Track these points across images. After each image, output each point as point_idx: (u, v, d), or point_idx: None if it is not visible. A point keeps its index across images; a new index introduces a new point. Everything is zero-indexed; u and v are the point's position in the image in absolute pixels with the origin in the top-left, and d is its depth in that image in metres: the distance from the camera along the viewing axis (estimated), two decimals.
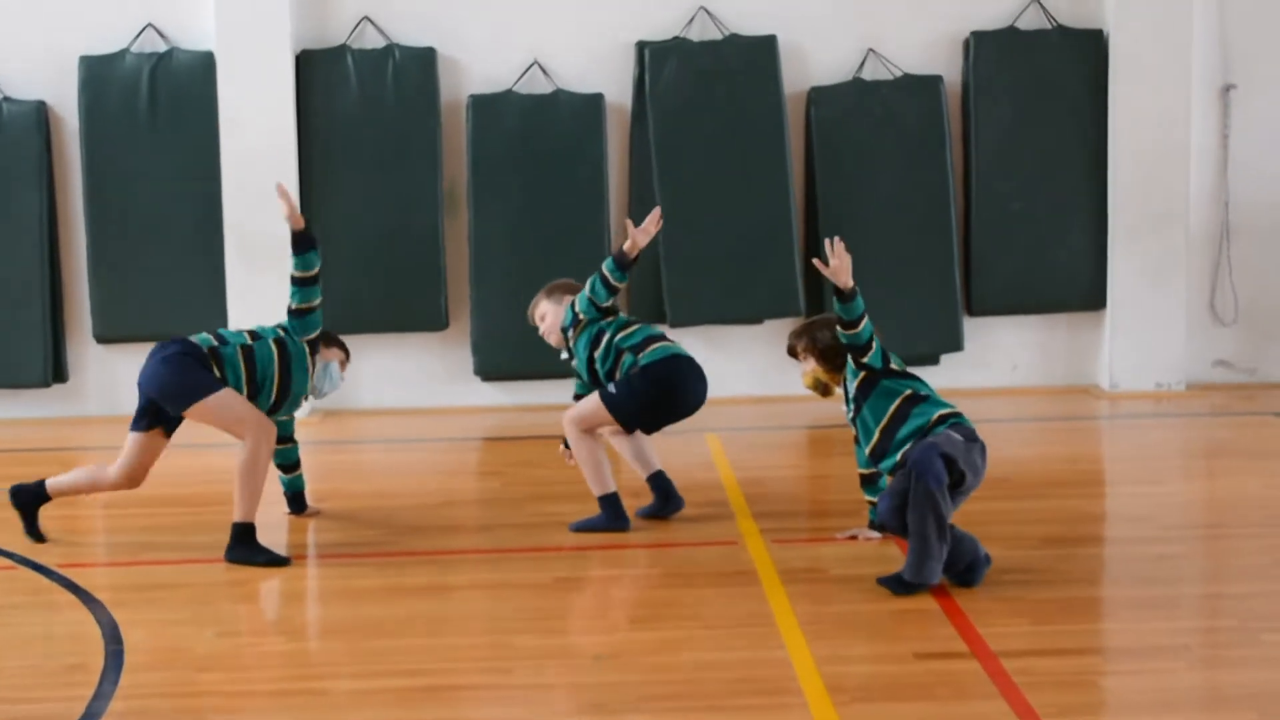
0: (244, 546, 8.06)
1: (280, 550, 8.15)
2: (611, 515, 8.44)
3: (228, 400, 8.06)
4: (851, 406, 7.48)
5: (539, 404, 11.79)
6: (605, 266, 8.32)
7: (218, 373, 8.11)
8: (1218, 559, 8.04)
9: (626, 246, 8.29)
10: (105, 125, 11.50)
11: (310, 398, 8.55)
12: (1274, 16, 11.91)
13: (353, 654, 6.72)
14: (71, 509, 9.64)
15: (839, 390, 7.65)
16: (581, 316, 8.42)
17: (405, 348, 11.85)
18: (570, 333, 8.50)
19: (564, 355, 8.63)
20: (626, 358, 8.39)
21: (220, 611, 7.39)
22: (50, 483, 8.54)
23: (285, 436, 8.65)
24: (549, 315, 8.60)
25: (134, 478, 8.37)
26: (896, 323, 11.66)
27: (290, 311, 8.37)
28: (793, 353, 7.81)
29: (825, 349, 7.65)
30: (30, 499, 8.54)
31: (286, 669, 6.72)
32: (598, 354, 8.40)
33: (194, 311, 11.49)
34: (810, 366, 7.72)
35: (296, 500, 8.88)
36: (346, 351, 8.71)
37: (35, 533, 8.52)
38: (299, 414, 9.12)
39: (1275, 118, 11.96)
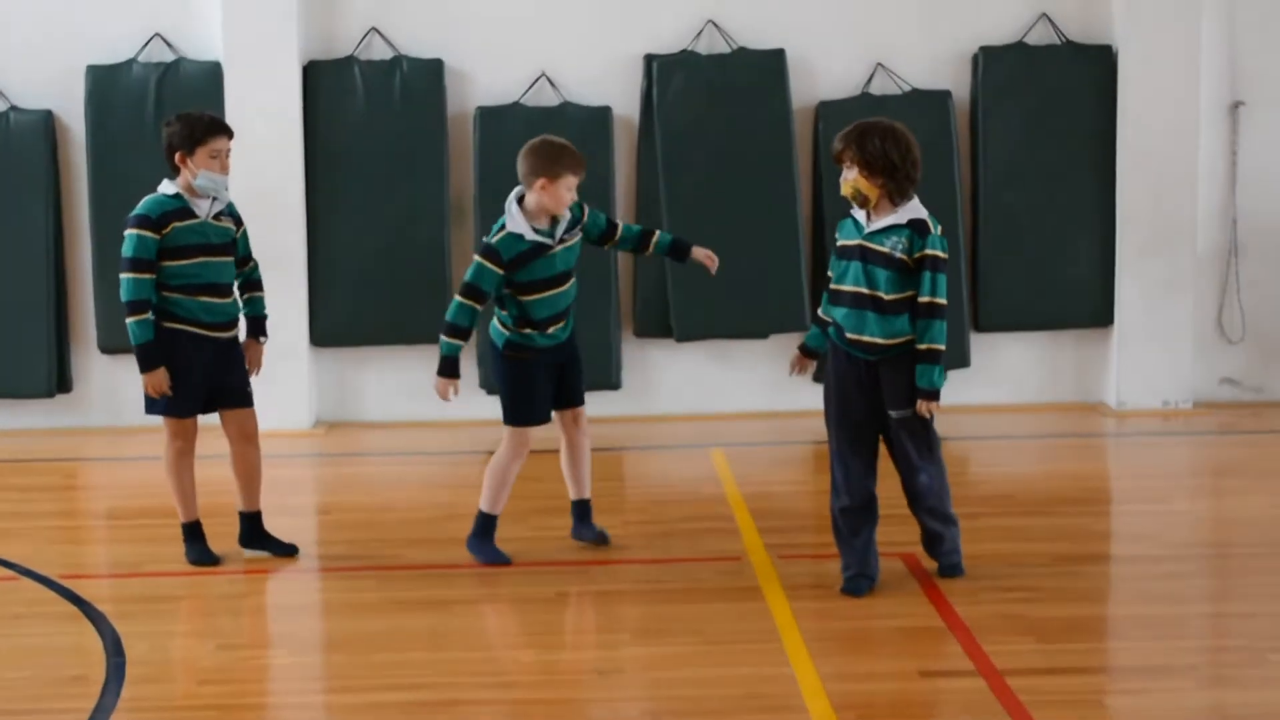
0: (188, 545, 8.21)
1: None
2: None
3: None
4: (877, 255, 7.26)
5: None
6: (659, 240, 8.30)
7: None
8: (1225, 578, 8.01)
9: (696, 252, 8.24)
10: (112, 135, 11.49)
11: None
12: None
13: (355, 667, 6.70)
14: (73, 520, 9.65)
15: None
16: (588, 228, 8.14)
17: (410, 360, 11.81)
18: (571, 225, 8.04)
19: (550, 235, 7.99)
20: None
21: (223, 624, 7.38)
22: (244, 507, 8.35)
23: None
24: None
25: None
26: None
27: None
28: (837, 158, 7.36)
29: (871, 159, 7.25)
30: (254, 531, 8.31)
31: (289, 682, 6.71)
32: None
33: None
34: (853, 175, 7.30)
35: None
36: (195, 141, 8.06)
37: (284, 545, 8.37)
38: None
39: None
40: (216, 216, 8.13)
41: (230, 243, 8.17)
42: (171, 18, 11.62)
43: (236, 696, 6.48)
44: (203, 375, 8.11)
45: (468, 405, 11.84)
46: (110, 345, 11.57)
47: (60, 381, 11.65)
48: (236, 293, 8.25)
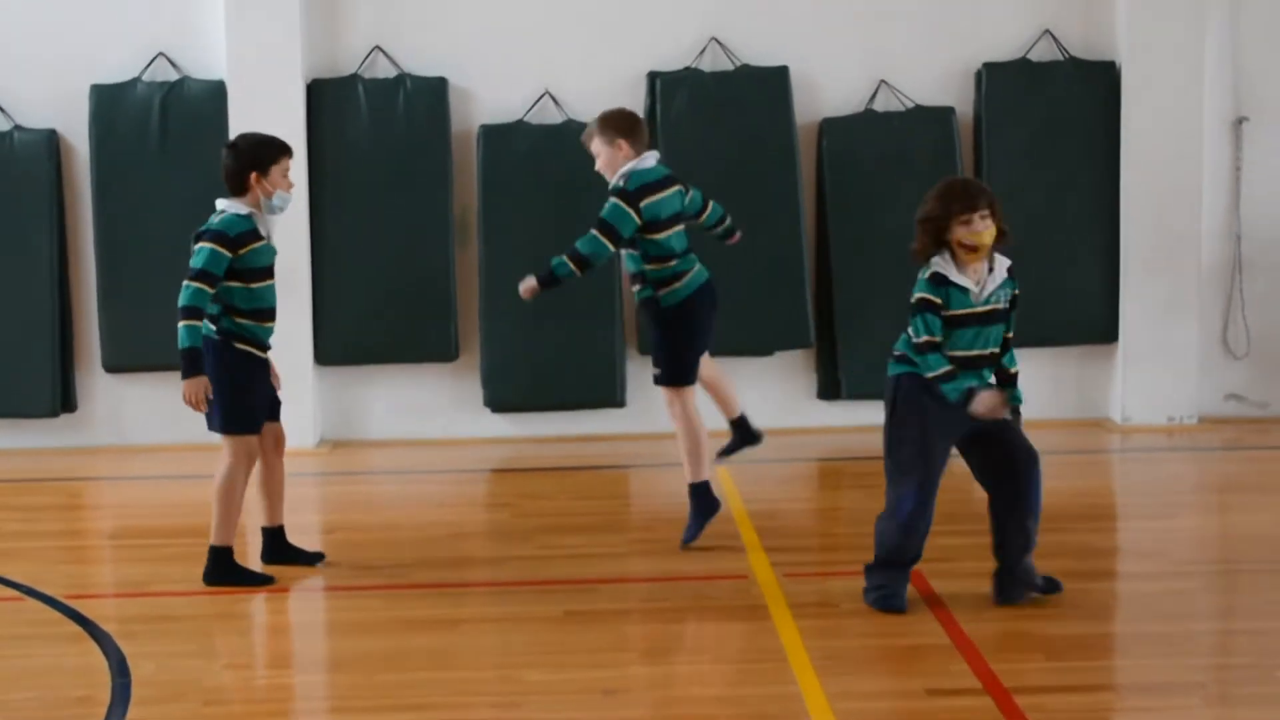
0: (222, 569, 8.08)
1: (295, 578, 8.12)
2: (705, 503, 8.70)
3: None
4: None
5: (549, 435, 11.76)
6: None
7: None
8: (1231, 595, 7.99)
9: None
10: (116, 154, 11.49)
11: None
12: None
13: (362, 687, 6.68)
14: (78, 539, 9.64)
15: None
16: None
17: (415, 378, 11.82)
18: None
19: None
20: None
21: (229, 644, 7.37)
22: (271, 522, 8.41)
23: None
24: (602, 156, 8.58)
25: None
26: None
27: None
28: (987, 206, 7.52)
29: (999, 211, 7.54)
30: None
31: (295, 702, 6.70)
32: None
33: None
34: (990, 225, 7.47)
35: None
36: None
37: (310, 554, 8.44)
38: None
39: None
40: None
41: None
42: (176, 37, 11.63)
43: (242, 717, 6.48)
44: (262, 393, 8.30)
45: (472, 424, 11.87)
46: (114, 364, 11.57)
47: (65, 401, 11.64)
48: None
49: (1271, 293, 11.95)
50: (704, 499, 8.73)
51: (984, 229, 7.39)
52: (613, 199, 8.39)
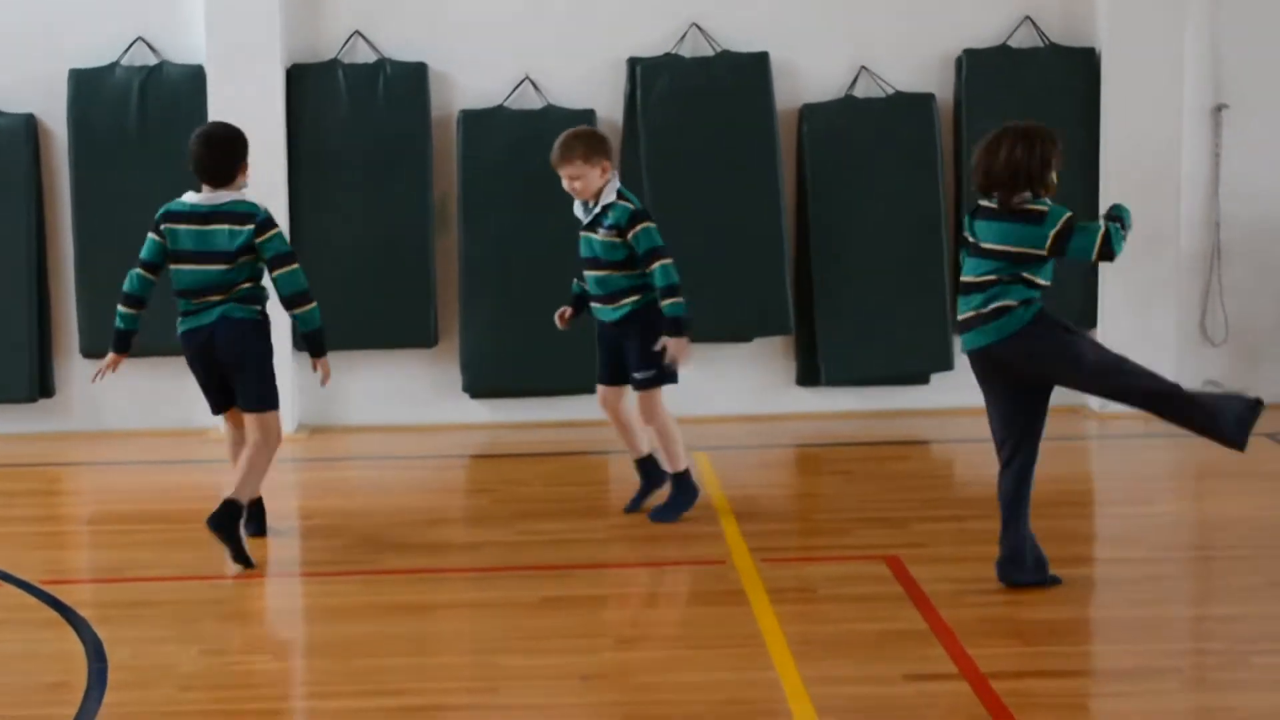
0: (228, 522, 8.14)
1: (272, 564, 8.13)
2: (687, 491, 8.93)
3: None
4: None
5: (528, 421, 11.75)
6: (664, 309, 8.61)
7: None
8: (1207, 580, 8.02)
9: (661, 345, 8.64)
10: (95, 139, 11.46)
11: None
12: (1266, 37, 11.90)
13: (338, 673, 6.68)
14: (55, 525, 9.64)
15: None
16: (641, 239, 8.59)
17: (394, 364, 11.81)
18: (607, 224, 8.61)
19: (585, 214, 8.72)
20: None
21: (205, 629, 7.35)
22: (233, 493, 8.30)
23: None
24: (584, 178, 8.64)
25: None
26: (887, 341, 11.66)
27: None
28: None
29: None
30: (228, 520, 8.18)
31: (271, 688, 6.70)
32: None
33: None
34: None
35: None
36: None
37: (244, 557, 8.23)
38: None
39: (1266, 138, 11.94)
40: None
41: None
42: (155, 21, 11.59)
43: (219, 702, 6.47)
44: None
45: (451, 410, 11.86)
46: (92, 350, 11.52)
47: (43, 386, 11.61)
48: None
49: (1249, 280, 11.97)
50: (688, 485, 8.89)
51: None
52: (644, 224, 8.58)
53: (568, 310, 8.99)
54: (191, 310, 8.31)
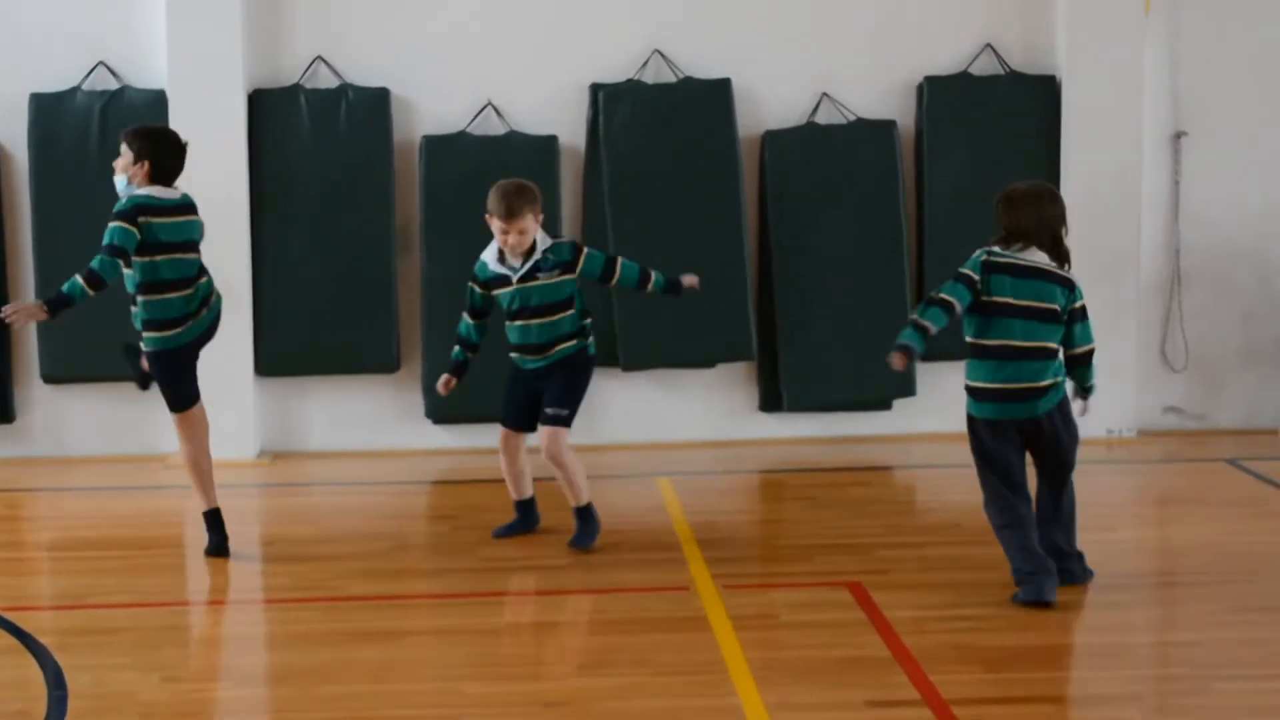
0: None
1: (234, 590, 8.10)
2: (595, 521, 9.01)
3: None
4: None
5: (490, 447, 11.63)
6: (655, 281, 8.98)
7: None
8: (1169, 606, 8.05)
9: (687, 281, 8.99)
10: (55, 163, 11.42)
11: None
12: (1223, 63, 11.98)
13: (300, 700, 6.66)
14: (15, 551, 9.58)
15: None
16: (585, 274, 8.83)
17: (356, 390, 11.78)
18: (549, 266, 8.78)
19: (514, 270, 8.82)
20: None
21: (166, 656, 7.32)
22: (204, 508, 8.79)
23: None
24: (530, 230, 8.72)
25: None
26: (850, 366, 11.67)
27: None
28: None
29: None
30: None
31: (234, 716, 6.68)
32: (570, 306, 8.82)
33: None
34: None
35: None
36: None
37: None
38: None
39: (1225, 165, 12.01)
40: None
41: None
42: (116, 46, 11.57)
43: None
44: None
45: (414, 435, 11.84)
46: (53, 375, 11.48)
47: (2, 412, 11.55)
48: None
49: (1209, 306, 12.03)
50: (591, 518, 8.98)
51: None
52: (586, 248, 8.96)
53: (453, 380, 9.15)
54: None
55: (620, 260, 8.98)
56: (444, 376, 9.14)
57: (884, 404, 11.91)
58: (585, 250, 8.87)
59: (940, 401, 11.86)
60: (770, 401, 11.90)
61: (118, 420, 11.64)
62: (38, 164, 11.42)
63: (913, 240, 11.87)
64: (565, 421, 8.82)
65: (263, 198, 11.54)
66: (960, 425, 11.81)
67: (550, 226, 11.38)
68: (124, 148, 8.69)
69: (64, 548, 9.54)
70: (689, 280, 9.06)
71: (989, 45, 11.85)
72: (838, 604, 7.78)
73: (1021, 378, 7.74)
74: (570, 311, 8.81)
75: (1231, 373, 12.11)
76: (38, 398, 11.67)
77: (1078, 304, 7.93)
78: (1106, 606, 7.75)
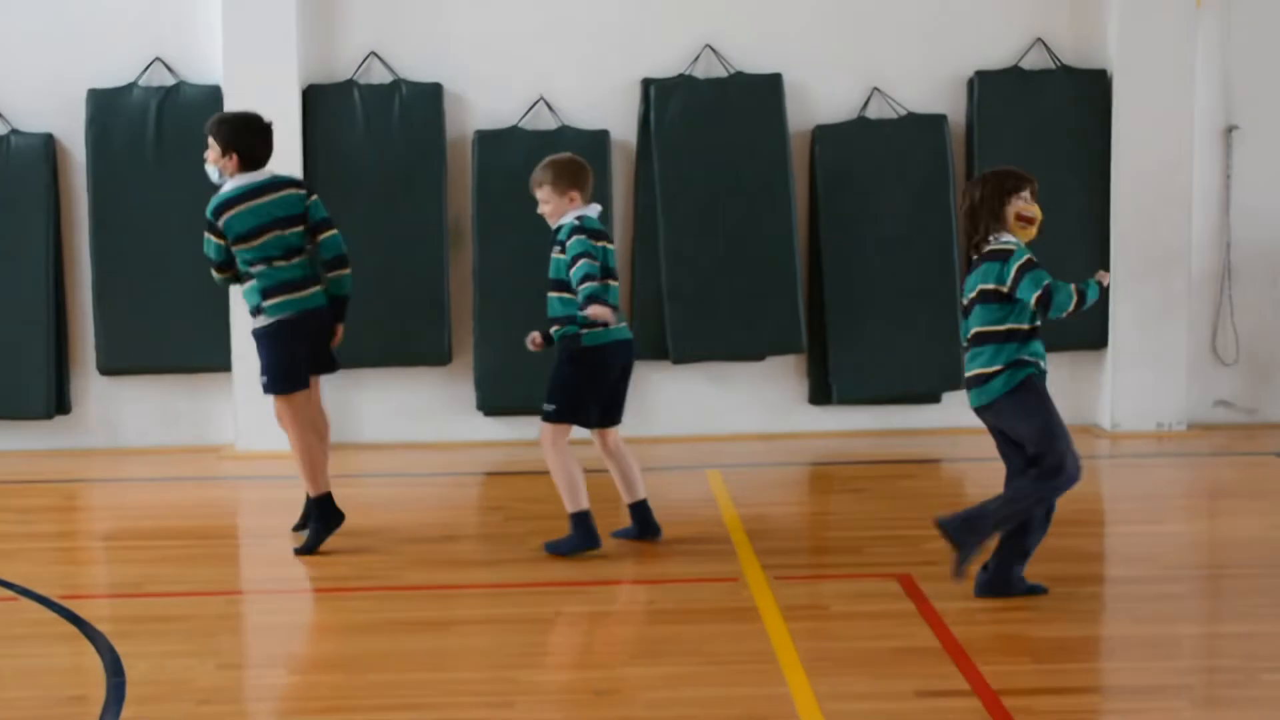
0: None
1: (288, 580, 8.18)
2: (584, 534, 8.60)
3: None
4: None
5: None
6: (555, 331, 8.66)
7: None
8: (1219, 599, 8.04)
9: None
10: (112, 158, 11.54)
11: None
12: (1275, 57, 11.96)
13: (355, 687, 6.72)
14: (72, 541, 9.68)
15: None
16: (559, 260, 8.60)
17: (408, 382, 11.87)
18: (555, 241, 8.66)
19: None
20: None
21: (222, 644, 7.40)
22: (313, 493, 8.86)
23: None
24: (551, 204, 8.67)
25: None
26: (899, 360, 11.70)
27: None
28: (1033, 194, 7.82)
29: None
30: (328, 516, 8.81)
31: (288, 702, 6.73)
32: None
33: (198, 344, 11.54)
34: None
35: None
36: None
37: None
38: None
39: (1277, 159, 11.99)
40: None
41: None
42: (172, 42, 11.68)
43: (236, 716, 6.51)
44: None
45: (465, 427, 11.91)
46: (109, 367, 11.61)
47: (60, 403, 11.68)
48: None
49: (1260, 300, 12.01)
50: (579, 528, 8.66)
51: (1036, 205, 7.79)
52: (578, 235, 8.54)
53: (538, 336, 8.84)
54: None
55: (586, 281, 8.38)
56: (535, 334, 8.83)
57: (933, 397, 11.94)
58: (573, 239, 8.51)
59: None
60: (820, 394, 11.93)
61: (173, 411, 11.76)
62: (95, 159, 11.54)
63: (962, 234, 11.87)
64: (549, 416, 8.62)
65: (317, 192, 11.59)
66: None
67: (602, 220, 11.46)
68: (210, 140, 8.75)
69: (120, 537, 9.64)
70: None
71: (1040, 39, 11.85)
72: (887, 595, 7.81)
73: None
74: (563, 294, 8.58)
75: None
76: (94, 389, 11.80)
77: (1019, 264, 7.65)
78: (1155, 599, 7.75)
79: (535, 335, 8.81)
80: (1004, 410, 7.76)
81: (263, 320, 8.66)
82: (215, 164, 8.74)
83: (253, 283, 8.68)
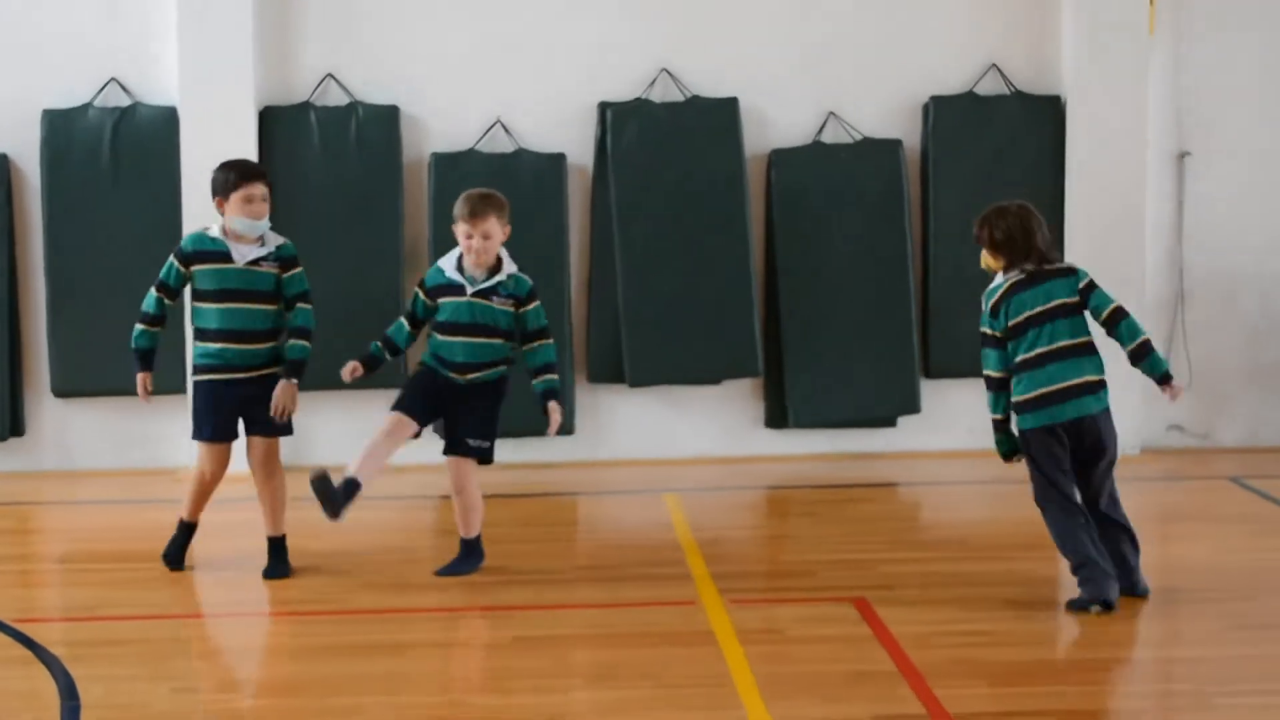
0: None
1: (243, 603, 8.15)
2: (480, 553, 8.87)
3: None
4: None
5: (496, 462, 11.75)
6: (542, 382, 8.70)
7: None
8: (1172, 623, 8.07)
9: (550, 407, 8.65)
10: (67, 179, 11.49)
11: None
12: (1227, 84, 12.04)
13: (310, 712, 6.70)
14: (26, 564, 9.62)
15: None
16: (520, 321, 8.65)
17: (364, 405, 11.80)
18: (506, 293, 8.59)
19: (471, 281, 8.61)
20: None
21: (177, 668, 7.37)
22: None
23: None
24: (495, 237, 8.56)
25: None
26: (854, 385, 11.73)
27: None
28: (977, 238, 8.20)
29: (999, 242, 8.14)
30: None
31: None
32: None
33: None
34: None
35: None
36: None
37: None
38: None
39: (1229, 184, 12.07)
40: (256, 262, 8.79)
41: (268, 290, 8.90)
42: (128, 62, 11.64)
43: None
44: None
45: (420, 450, 11.87)
46: (64, 389, 11.55)
47: (13, 425, 11.61)
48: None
49: (1213, 325, 12.09)
50: (478, 551, 8.93)
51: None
52: (538, 301, 8.67)
53: (360, 369, 8.98)
54: None
55: (546, 342, 8.67)
56: (352, 363, 8.98)
57: (889, 421, 11.97)
58: (537, 304, 8.61)
59: (945, 419, 11.94)
60: (776, 418, 11.95)
61: (127, 434, 11.70)
62: (49, 180, 11.49)
63: (918, 258, 11.93)
64: (488, 455, 8.80)
65: (272, 215, 11.55)
66: (966, 444, 11.86)
67: (558, 244, 11.48)
68: (264, 190, 8.86)
69: (75, 560, 9.59)
70: (553, 411, 8.66)
71: (994, 65, 11.92)
72: (843, 619, 7.82)
73: (1067, 376, 7.92)
74: (501, 340, 8.64)
75: (1234, 391, 12.17)
76: (48, 411, 11.73)
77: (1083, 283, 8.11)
78: (1110, 622, 7.78)
79: (355, 365, 8.99)
80: (1104, 421, 8.15)
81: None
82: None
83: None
